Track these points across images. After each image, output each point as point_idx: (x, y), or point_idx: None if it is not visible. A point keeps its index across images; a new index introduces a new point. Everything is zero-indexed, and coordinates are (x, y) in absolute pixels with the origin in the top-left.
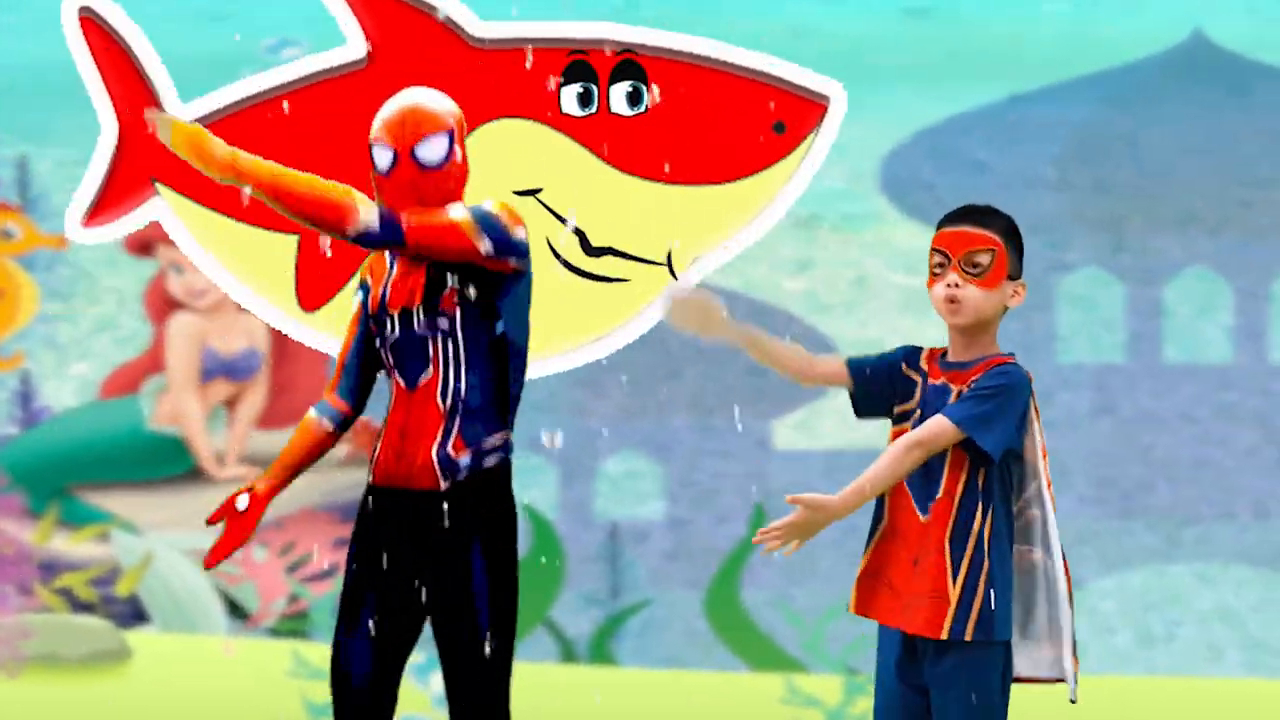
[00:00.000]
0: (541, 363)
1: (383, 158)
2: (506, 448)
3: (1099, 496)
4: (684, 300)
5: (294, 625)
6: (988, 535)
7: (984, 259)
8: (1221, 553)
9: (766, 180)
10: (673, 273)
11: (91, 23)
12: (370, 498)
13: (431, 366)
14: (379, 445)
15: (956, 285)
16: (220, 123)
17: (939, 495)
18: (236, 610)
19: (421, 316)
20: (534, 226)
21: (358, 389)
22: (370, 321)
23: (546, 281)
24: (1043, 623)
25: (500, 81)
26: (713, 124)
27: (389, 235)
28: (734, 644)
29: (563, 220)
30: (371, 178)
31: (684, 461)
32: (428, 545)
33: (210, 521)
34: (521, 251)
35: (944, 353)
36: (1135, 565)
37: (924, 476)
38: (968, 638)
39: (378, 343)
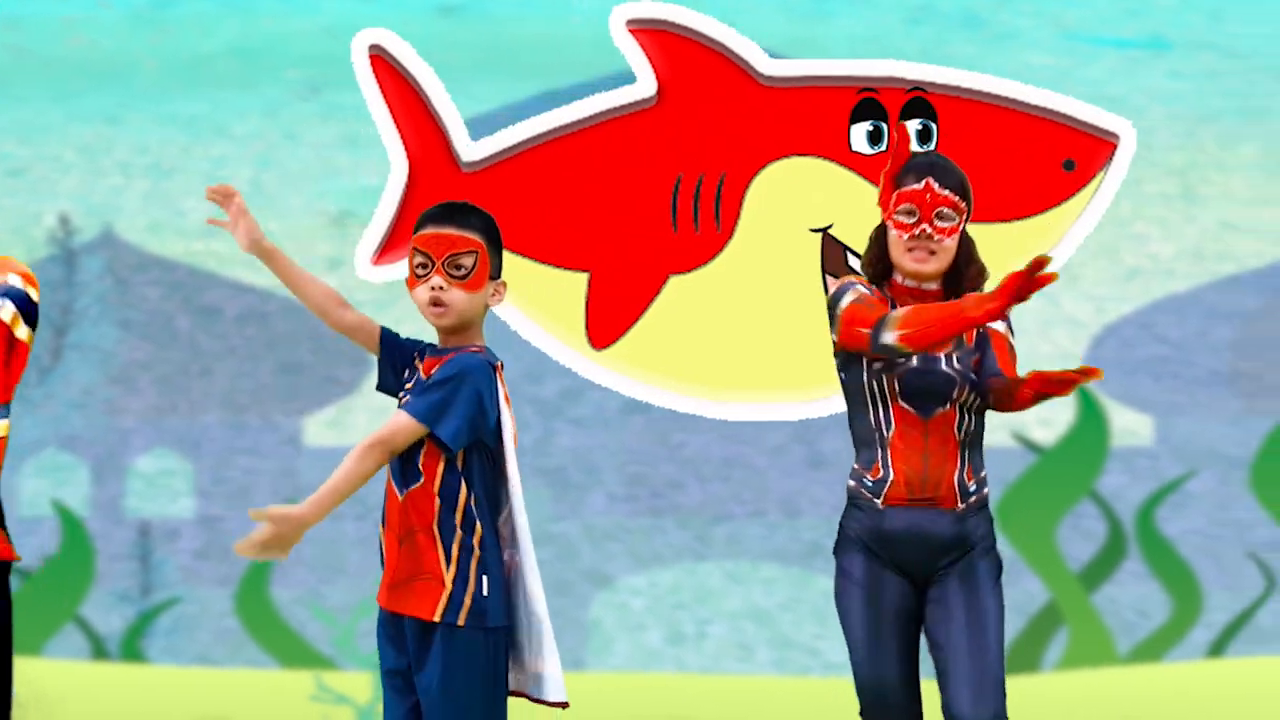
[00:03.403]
0: (804, 392)
1: None
2: None
3: (630, 494)
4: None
5: None
6: (476, 519)
7: (467, 261)
8: (751, 551)
9: (1056, 218)
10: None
11: (382, 61)
12: None
13: None
14: None
15: (441, 289)
16: (511, 160)
17: (420, 480)
18: None
19: None
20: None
21: None
22: None
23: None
24: (523, 633)
25: (790, 119)
26: (1002, 161)
27: None
28: (264, 641)
29: (856, 255)
30: None
31: (215, 459)
32: None
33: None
34: None
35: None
36: (666, 563)
37: (402, 460)
38: (460, 622)
39: None
